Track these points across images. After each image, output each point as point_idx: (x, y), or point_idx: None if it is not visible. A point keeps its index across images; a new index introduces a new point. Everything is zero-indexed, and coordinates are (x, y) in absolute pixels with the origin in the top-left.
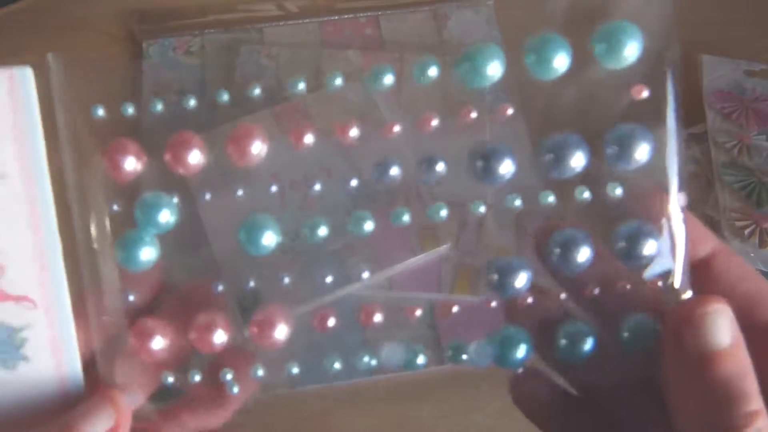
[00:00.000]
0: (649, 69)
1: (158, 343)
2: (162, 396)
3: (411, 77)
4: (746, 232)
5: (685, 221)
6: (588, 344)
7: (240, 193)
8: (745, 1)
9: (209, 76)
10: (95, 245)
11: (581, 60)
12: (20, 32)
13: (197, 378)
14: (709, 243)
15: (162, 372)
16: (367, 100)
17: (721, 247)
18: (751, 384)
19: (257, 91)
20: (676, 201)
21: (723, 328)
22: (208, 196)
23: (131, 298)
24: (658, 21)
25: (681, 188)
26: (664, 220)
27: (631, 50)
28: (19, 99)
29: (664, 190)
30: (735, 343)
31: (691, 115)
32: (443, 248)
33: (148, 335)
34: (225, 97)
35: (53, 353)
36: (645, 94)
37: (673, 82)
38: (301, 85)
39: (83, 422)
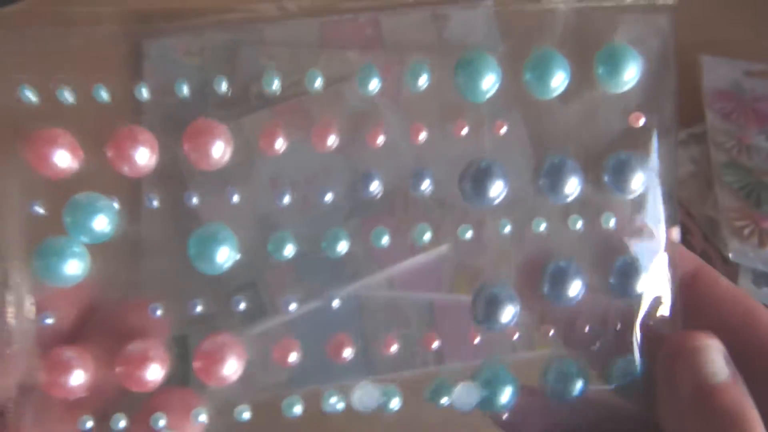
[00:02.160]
0: (647, 95)
1: (77, 378)
2: None
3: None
4: (745, 231)
5: (672, 250)
6: (578, 385)
7: (237, 197)
8: (745, 1)
9: (209, 76)
10: (5, 252)
11: (584, 80)
12: (19, 32)
13: (122, 424)
14: (691, 262)
15: (80, 413)
16: (366, 101)
17: (704, 267)
18: (751, 412)
19: (255, 90)
20: (667, 235)
21: (718, 360)
22: (236, 197)
23: (49, 320)
24: (657, 48)
25: (674, 222)
26: (656, 255)
27: (630, 74)
28: None
29: (657, 222)
30: (732, 374)
31: (690, 115)
32: (443, 248)
33: (65, 368)
34: (223, 86)
35: None
36: (642, 122)
37: (670, 112)
38: (276, 83)
39: None
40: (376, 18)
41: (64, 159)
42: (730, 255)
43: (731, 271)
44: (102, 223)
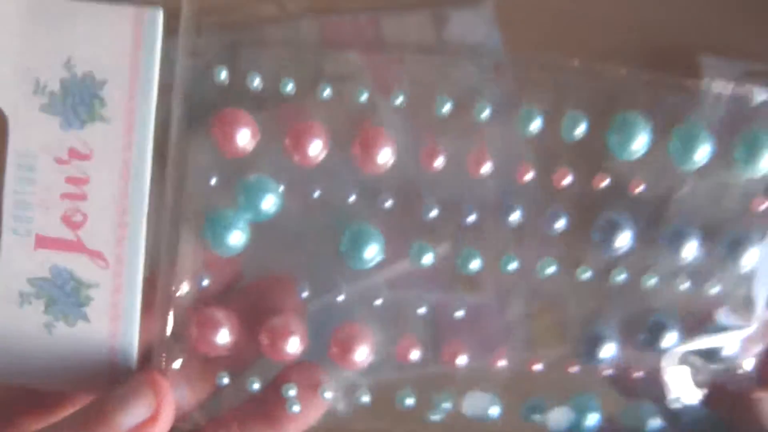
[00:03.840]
0: None
1: (223, 336)
2: (214, 404)
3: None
4: None
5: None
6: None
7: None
8: (745, 1)
9: (209, 76)
10: (183, 216)
11: (721, 159)
12: None
13: (256, 386)
14: None
15: (219, 371)
16: (366, 101)
17: None
18: None
19: (257, 83)
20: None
21: None
22: (317, 193)
23: (205, 282)
24: None
25: None
26: (749, 326)
27: (766, 162)
28: (142, 43)
29: (759, 297)
30: None
31: None
32: (443, 248)
33: (215, 326)
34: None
35: (112, 320)
36: (763, 207)
37: None
38: (290, 86)
39: (120, 410)
40: (376, 18)
41: (244, 138)
42: None
43: None
44: (268, 204)
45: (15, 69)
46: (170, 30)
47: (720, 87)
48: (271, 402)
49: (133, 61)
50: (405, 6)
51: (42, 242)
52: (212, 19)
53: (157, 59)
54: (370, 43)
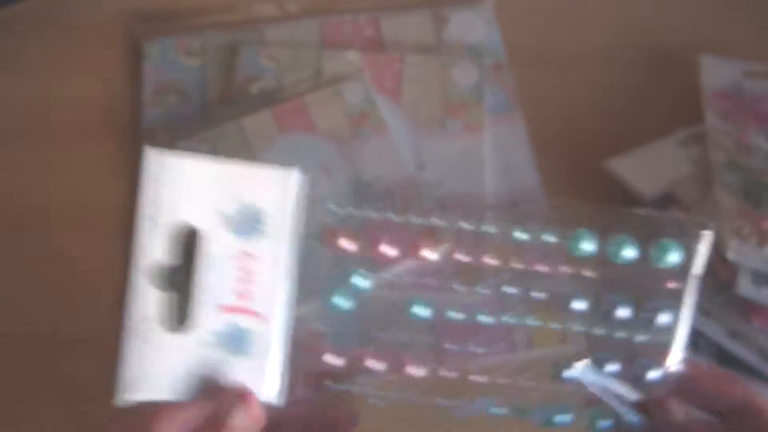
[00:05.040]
0: (681, 271)
1: None
2: None
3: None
4: (745, 231)
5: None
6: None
7: None
8: (745, 1)
9: (209, 76)
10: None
11: (645, 256)
12: (21, 33)
13: None
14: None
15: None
16: (366, 101)
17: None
18: None
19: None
20: (674, 359)
21: None
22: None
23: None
24: (694, 248)
25: (685, 351)
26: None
27: (673, 259)
28: (287, 189)
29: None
30: None
31: (690, 115)
32: (443, 248)
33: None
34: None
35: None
36: (673, 285)
37: (695, 284)
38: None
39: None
40: (376, 18)
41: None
42: (730, 255)
43: (731, 271)
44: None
45: (207, 204)
46: (170, 30)
47: (642, 212)
48: None
49: (281, 200)
50: (405, 6)
51: (223, 308)
52: (212, 19)
53: (296, 197)
54: (370, 43)
